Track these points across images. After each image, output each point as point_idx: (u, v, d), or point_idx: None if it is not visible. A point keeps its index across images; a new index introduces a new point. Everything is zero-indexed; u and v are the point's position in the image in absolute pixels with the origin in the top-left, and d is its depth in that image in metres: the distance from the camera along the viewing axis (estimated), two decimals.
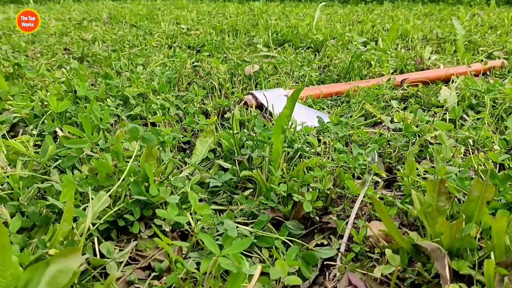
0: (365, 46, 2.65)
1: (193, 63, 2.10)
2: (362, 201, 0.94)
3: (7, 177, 0.94)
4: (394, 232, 0.73)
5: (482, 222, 0.73)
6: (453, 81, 1.77)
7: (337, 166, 1.04)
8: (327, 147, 1.18)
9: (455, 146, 1.13)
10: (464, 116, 1.41)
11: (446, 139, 1.01)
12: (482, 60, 2.19)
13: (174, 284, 0.70)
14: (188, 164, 1.13)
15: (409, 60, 2.23)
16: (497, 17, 4.11)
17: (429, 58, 2.30)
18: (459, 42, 2.33)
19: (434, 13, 4.73)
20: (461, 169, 0.94)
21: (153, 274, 0.77)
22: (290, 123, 1.25)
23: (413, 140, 1.21)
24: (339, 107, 1.58)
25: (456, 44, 2.46)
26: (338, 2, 6.71)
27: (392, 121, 1.37)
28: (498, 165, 1.08)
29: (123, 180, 0.90)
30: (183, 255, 0.82)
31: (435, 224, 0.72)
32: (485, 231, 0.74)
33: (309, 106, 1.59)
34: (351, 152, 1.11)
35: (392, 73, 2.04)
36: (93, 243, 0.80)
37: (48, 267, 0.60)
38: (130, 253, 0.82)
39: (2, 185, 0.93)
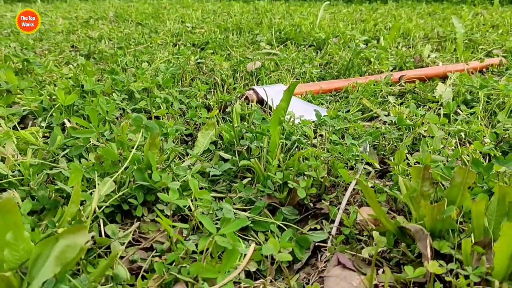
0: (367, 44, 2.70)
1: (197, 60, 2.15)
2: (354, 189, 0.99)
3: (18, 164, 0.99)
4: (381, 216, 0.78)
5: (464, 206, 0.78)
6: (449, 77, 1.81)
7: (331, 156, 1.08)
8: (324, 139, 1.23)
9: (446, 139, 1.17)
10: (458, 111, 1.45)
11: (436, 131, 1.05)
12: (480, 58, 2.23)
13: (174, 261, 0.75)
14: (190, 155, 1.18)
15: (409, 58, 2.27)
16: (500, 16, 4.13)
17: (429, 56, 2.34)
18: (458, 41, 2.37)
19: (437, 12, 4.76)
20: (449, 159, 0.99)
21: (155, 254, 0.82)
22: (289, 116, 1.30)
23: (407, 133, 1.25)
24: (338, 102, 1.63)
25: (456, 42, 2.49)
26: (343, 1, 6.75)
27: (387, 115, 1.42)
28: (488, 157, 1.13)
29: (128, 167, 0.95)
30: (184, 238, 0.86)
31: (419, 207, 0.77)
32: (467, 214, 0.78)
33: (308, 101, 1.64)
34: (347, 144, 1.15)
35: (392, 71, 2.09)
36: (99, 225, 0.85)
37: (57, 242, 0.65)
38: (133, 235, 0.87)
39: (13, 172, 0.98)
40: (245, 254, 0.72)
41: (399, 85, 1.79)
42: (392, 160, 1.06)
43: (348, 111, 1.51)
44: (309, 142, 1.20)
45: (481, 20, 3.89)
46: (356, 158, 1.10)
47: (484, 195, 0.76)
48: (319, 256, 0.85)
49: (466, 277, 0.64)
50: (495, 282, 0.61)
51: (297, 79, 1.95)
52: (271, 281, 0.78)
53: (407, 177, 0.94)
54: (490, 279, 0.63)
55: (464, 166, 0.77)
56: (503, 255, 0.63)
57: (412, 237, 0.77)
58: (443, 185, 0.89)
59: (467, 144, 1.21)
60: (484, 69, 2.14)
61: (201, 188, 1.04)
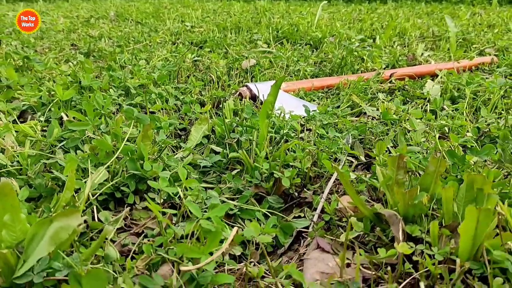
0: (360, 43, 2.74)
1: (193, 58, 2.20)
2: (338, 179, 1.03)
3: (17, 155, 1.04)
4: (357, 202, 0.82)
5: (436, 193, 0.82)
6: (436, 75, 1.85)
7: (317, 149, 1.13)
8: (312, 133, 1.27)
9: (428, 133, 1.22)
10: (445, 107, 1.49)
11: (417, 125, 1.10)
12: (470, 57, 2.27)
13: (162, 244, 0.80)
14: (183, 148, 1.22)
15: (402, 56, 2.31)
16: (497, 16, 4.17)
17: (422, 54, 2.38)
18: (451, 39, 2.41)
19: (435, 12, 4.80)
20: (429, 150, 1.03)
21: (145, 239, 0.87)
22: (279, 111, 1.35)
23: (393, 128, 1.30)
24: (329, 99, 1.67)
25: (449, 41, 2.54)
26: (343, 1, 6.78)
27: (374, 110, 1.46)
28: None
29: (121, 158, 0.99)
30: (173, 224, 0.91)
31: (394, 194, 0.81)
32: (439, 201, 0.82)
33: (300, 97, 1.68)
34: (330, 137, 1.20)
35: (384, 68, 2.13)
36: (93, 211, 0.90)
37: (52, 224, 0.70)
38: (125, 221, 0.92)
39: (12, 162, 1.03)
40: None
41: (390, 82, 1.83)
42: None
43: (338, 107, 1.56)
44: (297, 136, 1.24)
45: (477, 20, 3.93)
46: (343, 151, 1.15)
47: (454, 182, 0.81)
48: (302, 241, 0.89)
49: (432, 256, 0.69)
50: (457, 260, 0.65)
51: (291, 76, 1.99)
52: (254, 264, 0.82)
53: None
54: (454, 258, 0.68)
55: (437, 156, 0.81)
56: (467, 236, 0.67)
57: (387, 222, 0.82)
58: (419, 174, 0.94)
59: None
60: (474, 67, 2.17)
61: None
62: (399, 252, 0.70)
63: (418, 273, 0.68)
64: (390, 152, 1.11)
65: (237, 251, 0.84)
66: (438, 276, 0.67)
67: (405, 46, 2.76)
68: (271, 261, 0.85)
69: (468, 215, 0.66)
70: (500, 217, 0.67)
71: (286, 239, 0.89)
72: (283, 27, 3.19)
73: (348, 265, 0.73)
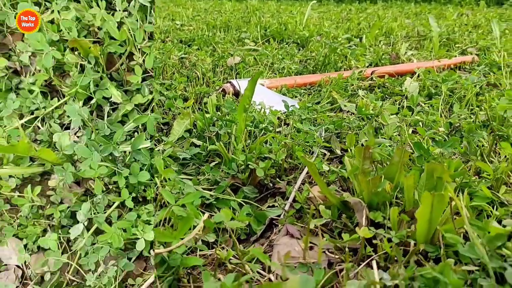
0: (349, 42, 2.79)
1: (180, 55, 2.23)
2: None
3: None
4: (326, 191, 0.86)
5: (400, 182, 0.86)
6: (416, 73, 1.90)
7: (293, 141, 1.17)
8: (290, 127, 1.31)
9: (401, 127, 1.26)
10: (421, 103, 1.54)
11: (389, 119, 1.14)
12: (449, 56, 2.32)
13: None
14: (164, 141, 1.26)
15: (385, 55, 2.35)
16: (483, 16, 4.23)
17: (405, 53, 2.42)
18: (434, 39, 2.46)
19: (423, 12, 4.86)
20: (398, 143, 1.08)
21: None
22: (259, 107, 1.39)
23: (369, 122, 1.34)
24: (310, 95, 1.71)
25: (432, 40, 2.59)
26: (334, 1, 6.84)
27: (350, 106, 1.50)
28: None
29: None
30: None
31: (360, 183, 0.85)
32: (402, 189, 0.87)
33: (283, 94, 1.72)
34: (305, 130, 1.24)
35: (368, 67, 2.17)
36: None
37: None
38: None
39: None
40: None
41: (370, 80, 1.87)
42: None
43: (319, 103, 1.60)
44: (274, 130, 1.28)
45: (464, 21, 3.99)
46: (318, 144, 1.19)
47: (415, 171, 0.85)
48: (274, 229, 0.93)
49: (390, 239, 0.73)
50: (411, 242, 0.69)
51: (274, 74, 2.03)
52: (227, 250, 0.86)
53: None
54: (411, 241, 0.72)
55: (401, 147, 0.85)
56: (423, 221, 0.71)
57: (353, 209, 0.86)
58: (387, 164, 0.98)
59: None
60: (454, 66, 2.22)
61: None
62: (361, 237, 0.74)
63: (377, 255, 0.72)
64: (363, 145, 1.15)
65: (211, 238, 0.88)
66: (395, 258, 0.71)
67: (390, 45, 2.80)
68: (244, 248, 0.88)
69: (424, 200, 0.70)
70: (454, 203, 0.72)
71: (259, 227, 0.93)
72: (272, 26, 3.23)
73: (311, 248, 0.77)
